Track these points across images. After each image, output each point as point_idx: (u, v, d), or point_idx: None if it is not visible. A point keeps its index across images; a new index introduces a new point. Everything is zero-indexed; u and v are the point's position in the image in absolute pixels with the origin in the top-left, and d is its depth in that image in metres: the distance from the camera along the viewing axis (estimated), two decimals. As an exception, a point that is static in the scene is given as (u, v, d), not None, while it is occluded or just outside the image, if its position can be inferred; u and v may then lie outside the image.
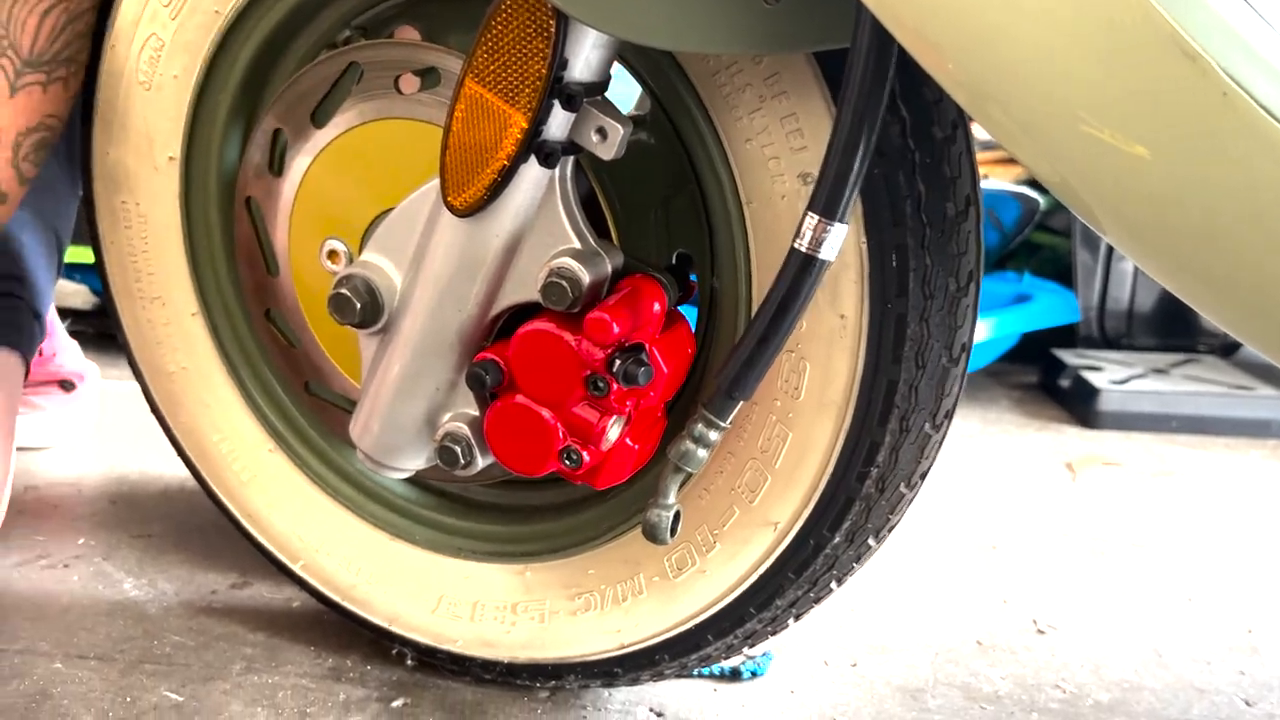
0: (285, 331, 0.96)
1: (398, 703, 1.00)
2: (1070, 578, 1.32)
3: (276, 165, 0.92)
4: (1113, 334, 2.31)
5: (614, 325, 0.72)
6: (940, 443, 0.84)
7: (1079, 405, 2.00)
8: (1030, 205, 2.13)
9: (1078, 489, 1.65)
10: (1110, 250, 2.29)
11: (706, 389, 0.84)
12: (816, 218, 0.65)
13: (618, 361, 0.74)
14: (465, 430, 0.82)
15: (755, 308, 0.77)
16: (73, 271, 2.12)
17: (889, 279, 0.76)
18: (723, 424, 0.71)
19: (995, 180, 2.13)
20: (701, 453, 0.72)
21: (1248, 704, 1.04)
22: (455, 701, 1.00)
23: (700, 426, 0.71)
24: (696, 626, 0.89)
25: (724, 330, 0.84)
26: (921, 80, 0.72)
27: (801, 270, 0.66)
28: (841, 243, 0.66)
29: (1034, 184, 2.20)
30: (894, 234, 0.75)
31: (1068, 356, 2.17)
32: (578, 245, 0.75)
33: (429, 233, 0.78)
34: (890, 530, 0.87)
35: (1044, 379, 2.22)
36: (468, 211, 0.74)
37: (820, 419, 0.80)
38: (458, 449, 0.81)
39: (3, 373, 1.13)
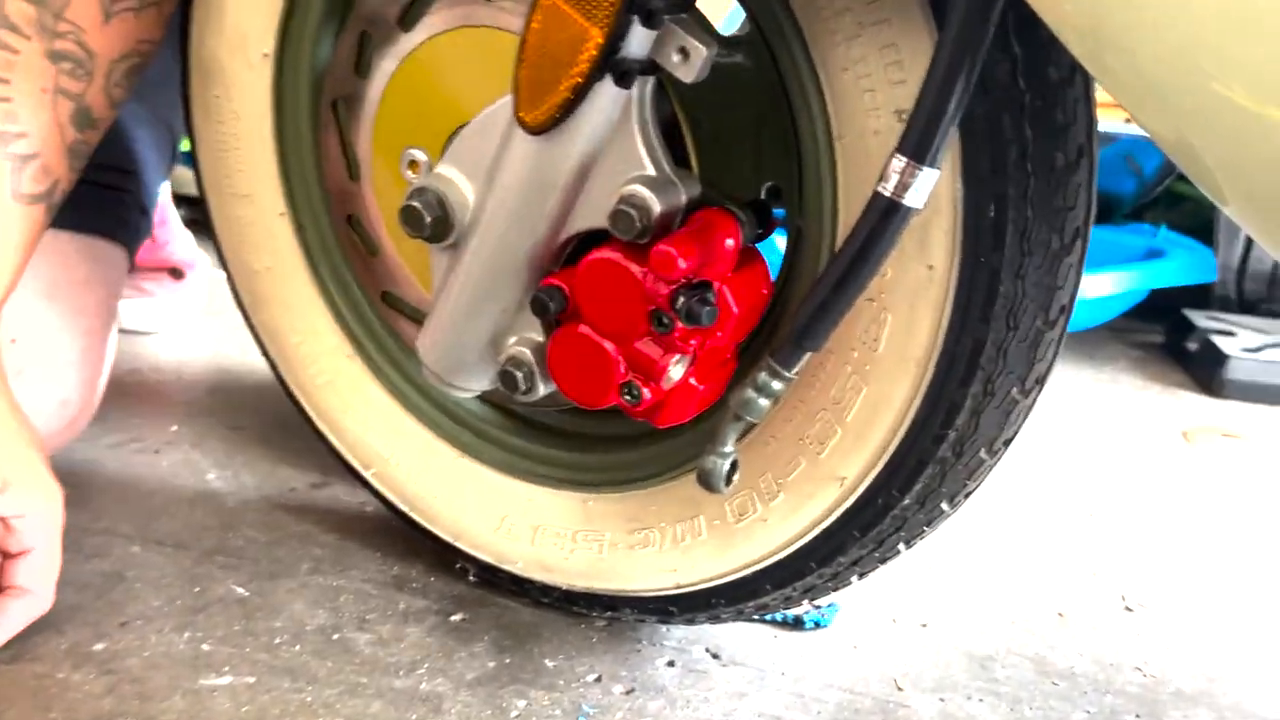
0: (365, 239, 0.95)
1: (456, 617, 1.00)
2: (1170, 554, 1.25)
3: (363, 68, 0.90)
4: (1252, 298, 2.17)
5: (680, 260, 0.69)
6: (1029, 409, 0.79)
7: (1205, 371, 1.88)
8: (1174, 153, 1.98)
9: (1192, 460, 1.56)
10: (1260, 207, 2.13)
11: (779, 335, 0.80)
12: (905, 160, 0.60)
13: (682, 298, 0.70)
14: (529, 355, 0.80)
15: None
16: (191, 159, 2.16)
17: (984, 231, 0.70)
18: (789, 374, 0.67)
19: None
20: (763, 402, 0.68)
21: (1346, 709, 0.97)
22: (512, 622, 1.00)
23: (764, 375, 0.67)
24: (754, 574, 0.87)
25: (805, 273, 0.80)
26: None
27: (884, 216, 0.61)
28: (930, 189, 0.61)
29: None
30: (994, 182, 0.69)
31: (1198, 318, 2.05)
32: (652, 172, 0.71)
33: (503, 149, 0.75)
34: (967, 496, 0.83)
35: (1170, 340, 2.10)
36: (539, 129, 0.71)
37: (898, 375, 0.76)
38: (519, 374, 0.79)
39: (106, 263, 1.15)
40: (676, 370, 0.75)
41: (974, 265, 0.71)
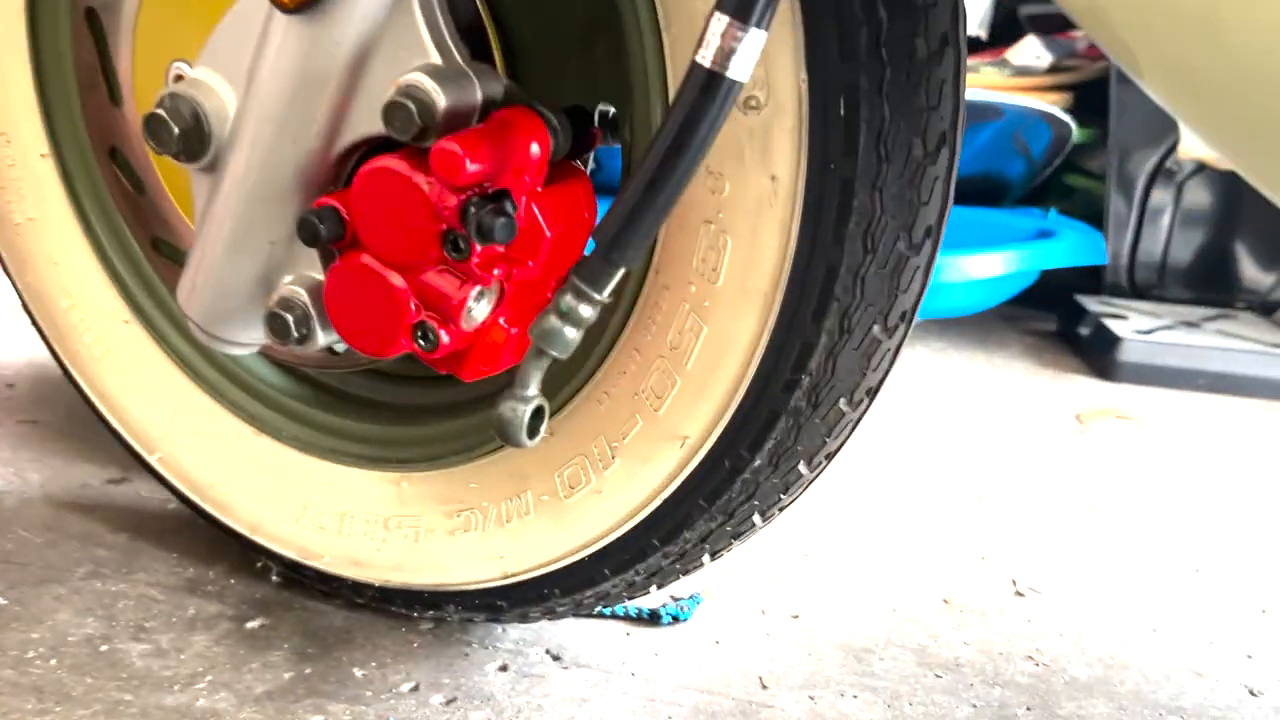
0: (130, 175, 0.81)
1: (254, 623, 0.86)
2: (1062, 537, 1.16)
3: (121, -30, 0.76)
4: (1143, 284, 2.12)
5: (467, 160, 0.56)
6: (895, 351, 0.68)
7: (1098, 355, 1.82)
8: (1062, 130, 1.93)
9: (1084, 443, 1.48)
10: (1147, 196, 2.09)
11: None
12: (725, 19, 0.49)
13: (473, 209, 0.58)
14: (303, 296, 0.66)
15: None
16: None
17: (833, 132, 0.59)
18: (597, 295, 0.55)
19: (1024, 99, 1.93)
20: (570, 332, 0.56)
21: (1252, 693, 0.88)
22: (320, 627, 0.86)
23: (569, 298, 0.55)
24: (591, 557, 0.74)
25: (639, 198, 0.68)
26: None
27: (704, 93, 0.50)
28: (755, 58, 0.49)
29: (1071, 109, 1.99)
30: (843, 72, 0.58)
31: (1090, 303, 1.99)
32: (436, 60, 0.59)
33: (263, 41, 0.62)
34: (828, 458, 0.72)
35: (1063, 326, 2.04)
36: (298, 6, 0.58)
37: (742, 310, 0.64)
38: (290, 318, 0.66)
39: None
40: (479, 308, 0.63)
41: (824, 175, 0.60)
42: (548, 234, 0.62)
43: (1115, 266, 2.11)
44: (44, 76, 0.84)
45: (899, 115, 0.59)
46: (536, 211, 0.61)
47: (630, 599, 0.84)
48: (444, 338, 0.63)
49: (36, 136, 0.86)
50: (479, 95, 0.60)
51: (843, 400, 0.67)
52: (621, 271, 0.55)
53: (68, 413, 1.23)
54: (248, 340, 0.71)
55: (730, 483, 0.68)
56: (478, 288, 0.62)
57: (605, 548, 0.74)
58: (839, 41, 0.57)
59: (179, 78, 0.71)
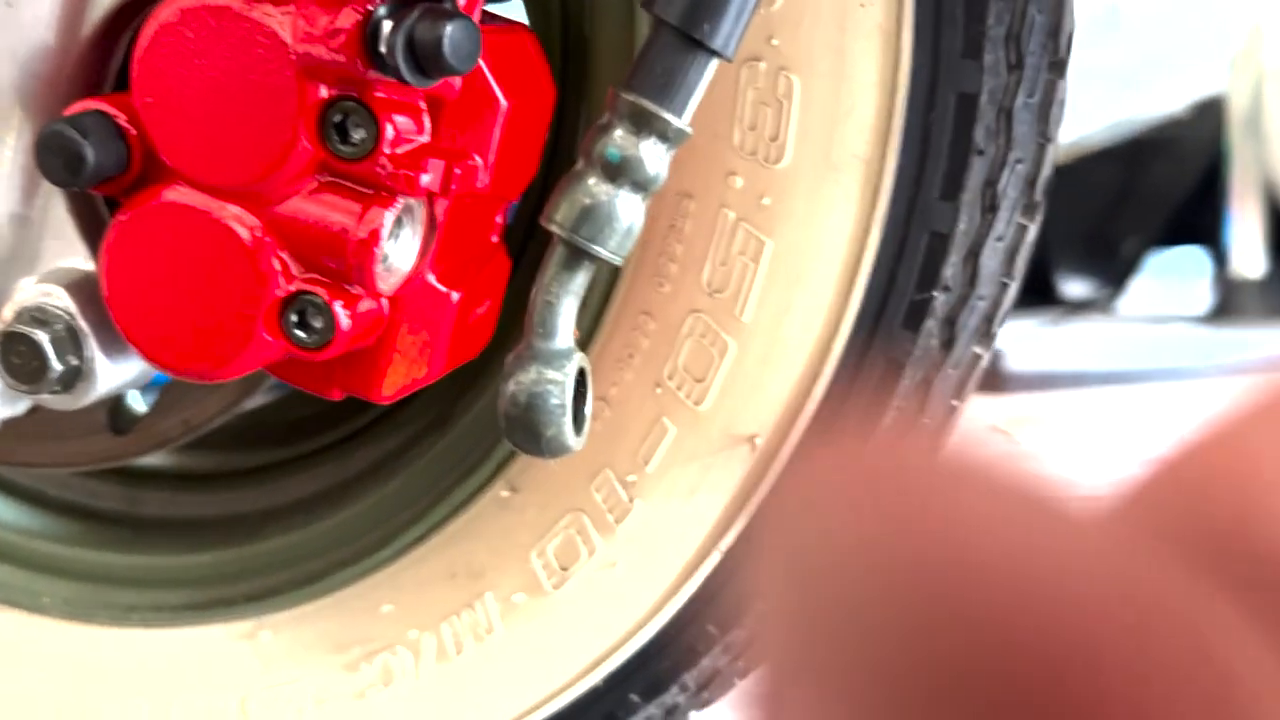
0: None
1: None
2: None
3: None
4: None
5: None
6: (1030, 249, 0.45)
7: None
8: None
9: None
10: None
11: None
12: None
13: (386, 23, 0.31)
14: (62, 300, 0.36)
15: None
16: None
17: None
18: (674, 117, 0.29)
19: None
20: (629, 202, 0.29)
21: None
22: None
23: (621, 130, 0.29)
24: (609, 680, 0.46)
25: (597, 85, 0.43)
26: None
27: None
28: None
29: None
30: None
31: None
32: None
33: None
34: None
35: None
36: None
37: (828, 197, 0.40)
38: (43, 341, 0.36)
39: None
40: (400, 248, 0.35)
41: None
42: (503, 102, 0.35)
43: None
44: None
45: None
46: (485, 69, 0.35)
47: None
48: (341, 316, 0.34)
49: None
50: None
51: (980, 335, 0.43)
52: (712, 65, 0.29)
53: None
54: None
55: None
56: (398, 204, 0.34)
57: (632, 660, 0.45)
58: None
59: None
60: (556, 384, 0.30)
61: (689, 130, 0.30)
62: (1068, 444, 1.37)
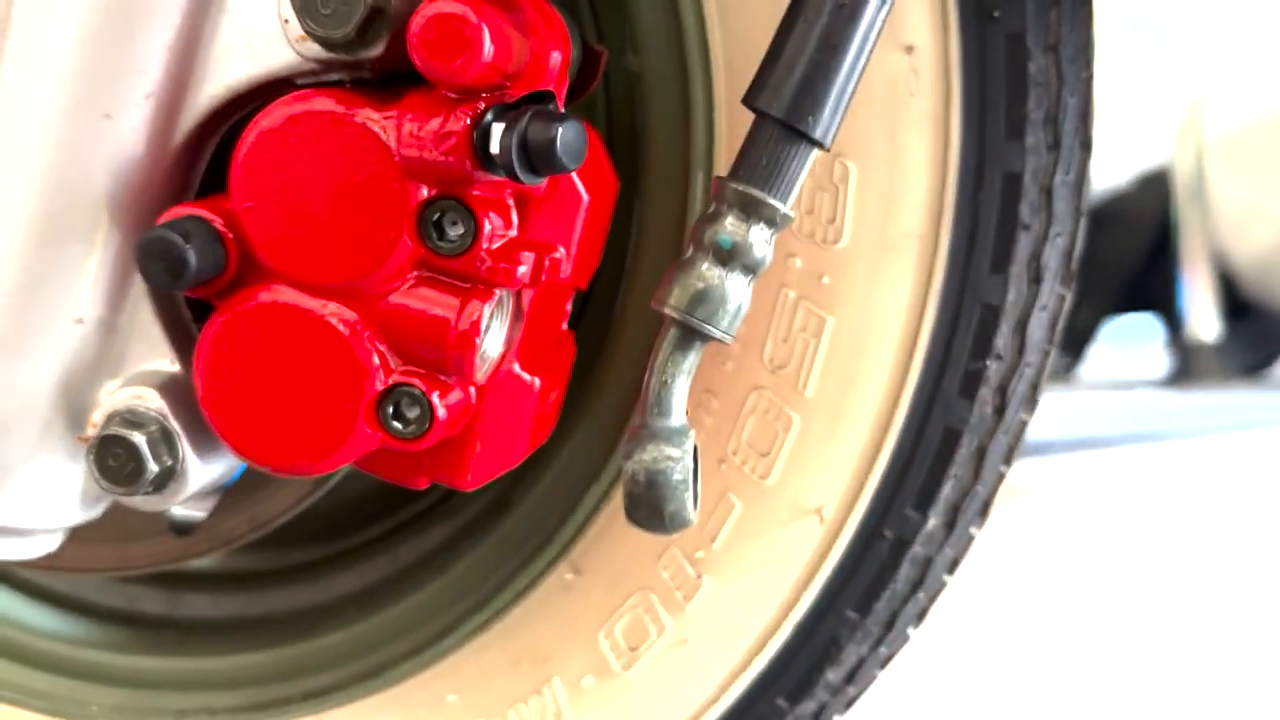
0: None
1: None
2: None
3: None
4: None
5: (484, 31, 0.31)
6: (1065, 319, 0.47)
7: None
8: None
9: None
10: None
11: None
12: None
13: (497, 125, 0.32)
14: (155, 402, 0.37)
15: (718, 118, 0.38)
16: None
17: None
18: (780, 203, 0.31)
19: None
20: (738, 285, 0.31)
21: None
22: None
23: (732, 217, 0.31)
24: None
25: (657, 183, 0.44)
26: None
27: None
28: None
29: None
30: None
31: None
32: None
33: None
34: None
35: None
36: None
37: (885, 273, 0.42)
38: (140, 444, 0.36)
39: None
40: (493, 338, 0.36)
41: (981, 37, 0.39)
42: (584, 196, 0.37)
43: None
44: None
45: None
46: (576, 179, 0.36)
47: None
48: (439, 406, 0.35)
49: None
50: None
51: (1027, 401, 0.45)
52: (813, 155, 0.30)
53: None
54: (44, 525, 0.39)
55: (894, 567, 0.44)
56: (496, 297, 0.35)
57: (700, 735, 0.46)
58: None
59: None
60: (676, 461, 0.31)
61: (793, 215, 0.32)
62: (1044, 512, 1.39)
